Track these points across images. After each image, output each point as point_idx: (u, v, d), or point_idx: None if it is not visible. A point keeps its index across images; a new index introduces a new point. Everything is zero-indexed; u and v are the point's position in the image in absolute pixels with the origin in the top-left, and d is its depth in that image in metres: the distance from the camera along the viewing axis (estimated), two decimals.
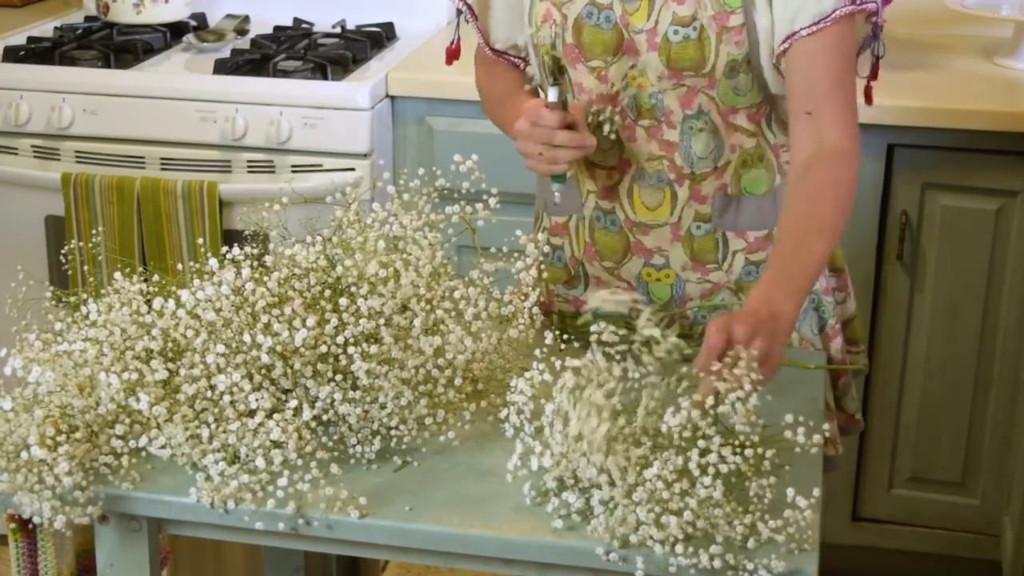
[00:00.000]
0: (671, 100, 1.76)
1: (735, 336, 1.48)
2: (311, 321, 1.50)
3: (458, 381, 1.56)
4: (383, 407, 1.51)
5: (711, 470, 1.37)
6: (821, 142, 1.70)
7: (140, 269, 1.66)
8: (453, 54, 1.99)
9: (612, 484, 1.39)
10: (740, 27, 1.71)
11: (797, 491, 1.38)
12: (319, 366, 1.51)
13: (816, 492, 1.41)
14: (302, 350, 1.50)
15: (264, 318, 1.51)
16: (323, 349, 1.50)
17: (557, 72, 1.76)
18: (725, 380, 1.42)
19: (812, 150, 1.70)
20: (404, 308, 1.57)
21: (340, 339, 1.51)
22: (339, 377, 1.51)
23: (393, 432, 1.54)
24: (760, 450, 1.41)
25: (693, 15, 1.71)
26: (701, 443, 1.40)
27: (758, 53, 1.73)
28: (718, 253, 1.83)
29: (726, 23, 1.71)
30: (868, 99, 1.87)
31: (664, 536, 1.36)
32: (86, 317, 1.59)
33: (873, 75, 1.86)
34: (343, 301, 1.53)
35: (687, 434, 1.40)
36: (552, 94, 1.71)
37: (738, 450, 1.40)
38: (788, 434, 1.42)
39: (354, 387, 1.51)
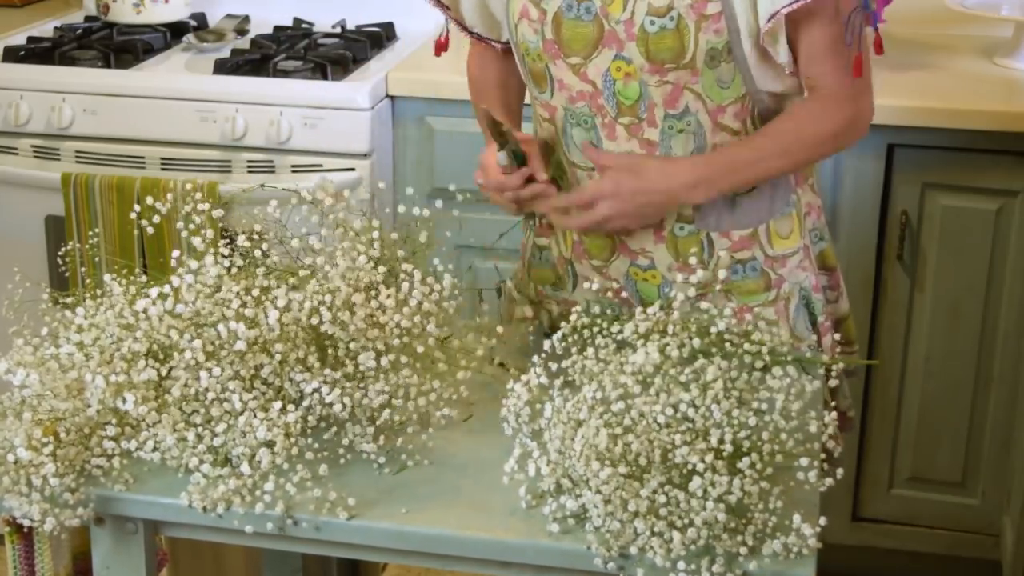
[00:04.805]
0: (656, 95, 1.75)
1: (603, 193, 1.73)
2: (282, 301, 1.52)
3: (431, 328, 1.57)
4: (373, 379, 1.52)
5: (713, 492, 1.37)
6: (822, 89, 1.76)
7: (138, 270, 1.66)
8: (441, 46, 2.02)
9: (608, 502, 1.38)
10: (718, 15, 1.69)
11: (802, 516, 1.38)
12: (301, 354, 1.51)
13: (823, 521, 1.40)
14: (278, 328, 1.50)
15: (235, 303, 1.52)
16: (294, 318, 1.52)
17: (499, 136, 1.79)
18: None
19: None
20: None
21: (310, 303, 1.53)
22: (327, 371, 1.51)
23: (380, 397, 1.53)
24: (765, 485, 1.41)
25: (669, 5, 1.70)
26: (707, 474, 1.39)
27: (739, 40, 1.71)
28: (703, 253, 1.82)
29: (703, 11, 1.69)
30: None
31: (665, 550, 1.35)
32: (72, 321, 1.59)
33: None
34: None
35: (695, 461, 1.40)
36: (501, 158, 1.78)
37: (744, 478, 1.40)
38: (792, 444, 1.44)
39: (347, 377, 1.51)
